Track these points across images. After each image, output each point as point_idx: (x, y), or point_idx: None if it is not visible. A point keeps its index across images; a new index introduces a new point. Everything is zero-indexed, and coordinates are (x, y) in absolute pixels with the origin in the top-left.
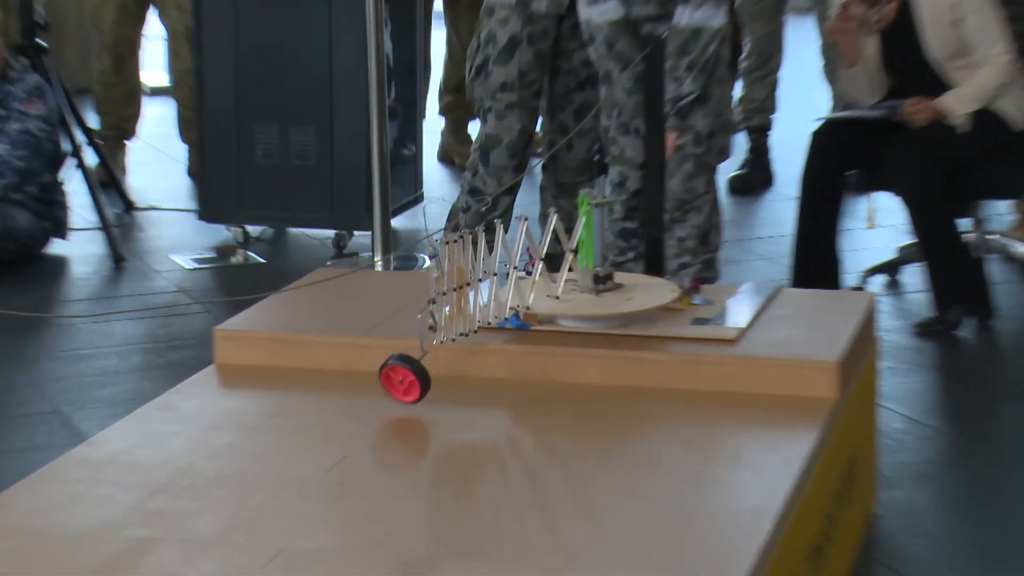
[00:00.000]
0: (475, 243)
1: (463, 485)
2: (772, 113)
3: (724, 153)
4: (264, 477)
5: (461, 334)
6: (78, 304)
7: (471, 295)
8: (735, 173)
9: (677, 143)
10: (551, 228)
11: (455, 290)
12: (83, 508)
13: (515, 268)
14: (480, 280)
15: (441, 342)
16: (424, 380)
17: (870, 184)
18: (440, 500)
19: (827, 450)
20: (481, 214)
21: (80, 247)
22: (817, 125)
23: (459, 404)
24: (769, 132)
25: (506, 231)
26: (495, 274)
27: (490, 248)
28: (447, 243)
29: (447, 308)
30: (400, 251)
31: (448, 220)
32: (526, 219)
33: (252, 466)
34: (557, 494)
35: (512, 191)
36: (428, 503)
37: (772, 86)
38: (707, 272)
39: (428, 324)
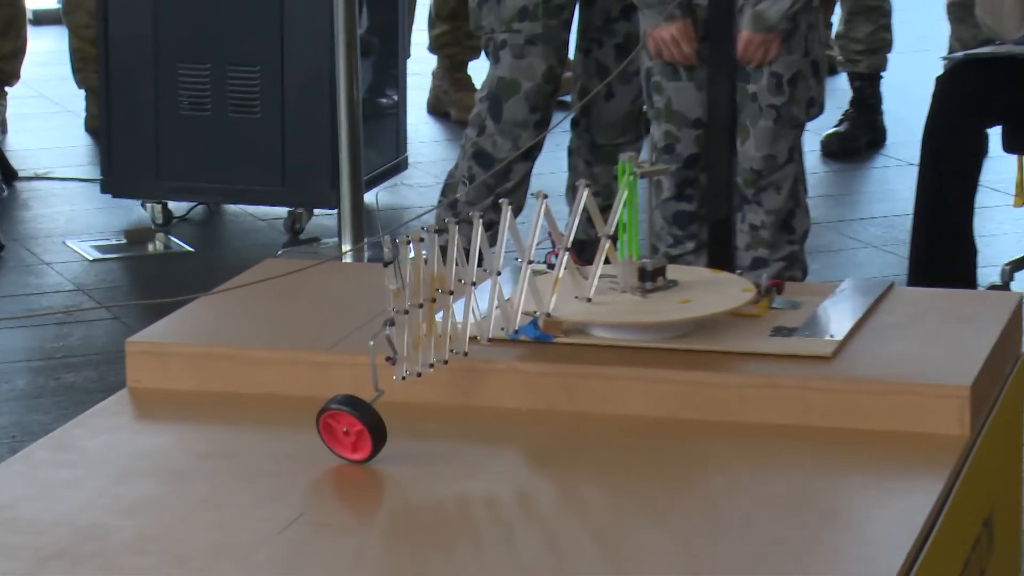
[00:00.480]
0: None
1: (459, 555)
2: (885, 53)
3: (815, 105)
4: (195, 541)
5: (430, 365)
6: None
7: (456, 305)
8: (832, 131)
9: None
10: (581, 206)
11: (420, 305)
12: None
13: (529, 262)
14: (475, 284)
15: (403, 377)
16: (377, 432)
17: (1017, 145)
18: (432, 572)
19: (955, 506)
20: (489, 187)
21: None
22: (943, 68)
23: (457, 443)
24: (879, 78)
25: (518, 211)
26: (499, 272)
27: (492, 239)
28: (408, 242)
29: (413, 329)
30: (376, 236)
31: (443, 194)
32: (545, 196)
33: (179, 527)
34: (590, 566)
35: (531, 155)
36: None
37: (883, 17)
38: (791, 271)
39: (386, 353)
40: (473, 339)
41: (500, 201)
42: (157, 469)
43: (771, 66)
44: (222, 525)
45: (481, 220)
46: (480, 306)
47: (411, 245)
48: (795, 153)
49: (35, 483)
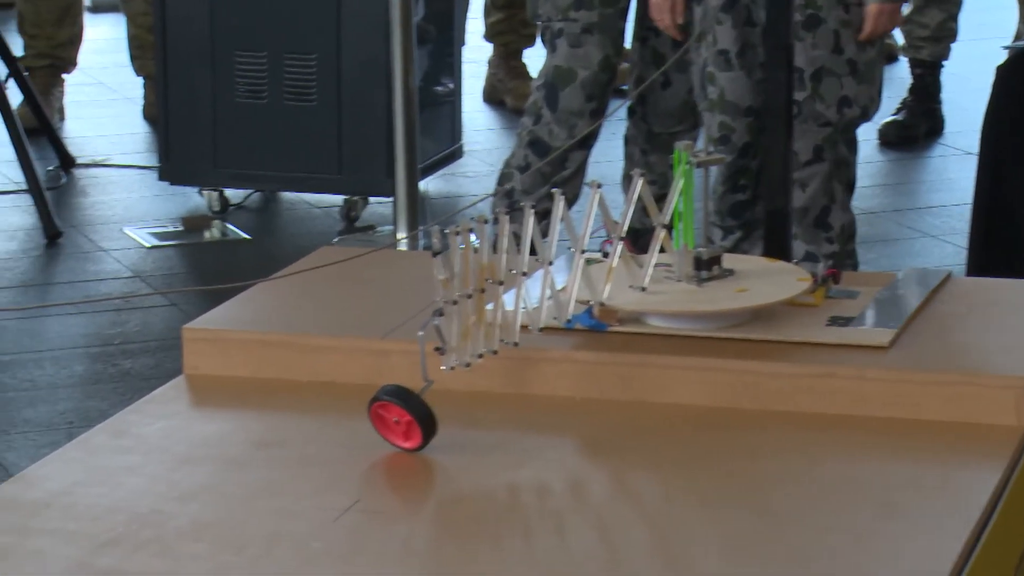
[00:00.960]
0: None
1: (511, 544)
2: (949, 43)
3: (852, 106)
4: (251, 528)
5: (479, 355)
6: None
7: (506, 297)
8: (890, 119)
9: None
10: (635, 195)
11: (469, 296)
12: (9, 567)
13: (582, 252)
14: (525, 274)
15: (452, 367)
16: (425, 422)
17: None
18: (482, 562)
19: (1013, 496)
20: (545, 175)
21: (0, 216)
22: (1006, 56)
23: (511, 432)
24: (941, 67)
25: (574, 200)
26: (551, 262)
27: (543, 230)
28: (456, 233)
29: (462, 319)
30: (432, 224)
31: (499, 183)
32: (599, 186)
33: (235, 513)
34: (641, 557)
35: (587, 144)
36: (466, 566)
37: (954, 7)
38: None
39: (435, 343)
40: (525, 328)
41: (553, 191)
42: (214, 456)
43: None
44: (278, 512)
45: (534, 210)
46: (531, 296)
47: (459, 236)
48: (825, 152)
49: (92, 469)
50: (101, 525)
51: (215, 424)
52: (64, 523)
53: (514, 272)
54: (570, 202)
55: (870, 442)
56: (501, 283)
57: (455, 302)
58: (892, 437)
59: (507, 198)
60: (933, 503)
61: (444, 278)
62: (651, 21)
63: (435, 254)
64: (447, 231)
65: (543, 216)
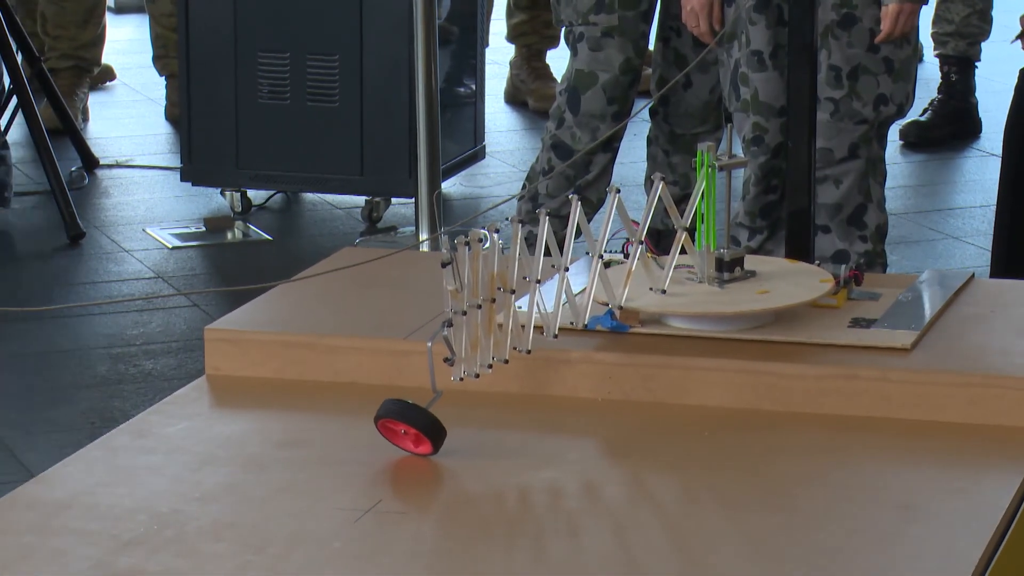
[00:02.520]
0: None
1: (536, 542)
2: (978, 41)
3: (889, 104)
4: (272, 529)
5: (488, 365)
6: (21, 295)
7: (517, 304)
8: (910, 120)
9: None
10: (656, 198)
11: (478, 306)
12: (30, 567)
13: (600, 256)
14: (539, 281)
15: (460, 378)
16: (432, 432)
17: None
18: (502, 563)
19: None
20: (569, 179)
21: (24, 217)
22: None
23: (533, 433)
24: (973, 67)
25: (599, 205)
26: (567, 268)
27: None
28: (466, 243)
29: (471, 330)
30: (454, 226)
31: (524, 186)
32: (618, 190)
33: (256, 513)
34: (661, 559)
35: (610, 146)
36: (487, 566)
37: (981, 2)
38: (871, 270)
39: (445, 355)
40: (539, 329)
41: (570, 197)
42: (235, 456)
43: (830, 58)
44: (299, 513)
45: (548, 217)
46: (546, 302)
47: (469, 246)
48: (860, 150)
49: (114, 469)
50: (122, 525)
51: (236, 424)
52: (86, 523)
53: (527, 279)
54: (596, 205)
55: (892, 444)
56: (513, 292)
57: (464, 312)
58: (914, 439)
59: (532, 202)
60: (955, 505)
61: (453, 288)
62: (673, 21)
63: (444, 264)
64: (456, 240)
65: (566, 221)
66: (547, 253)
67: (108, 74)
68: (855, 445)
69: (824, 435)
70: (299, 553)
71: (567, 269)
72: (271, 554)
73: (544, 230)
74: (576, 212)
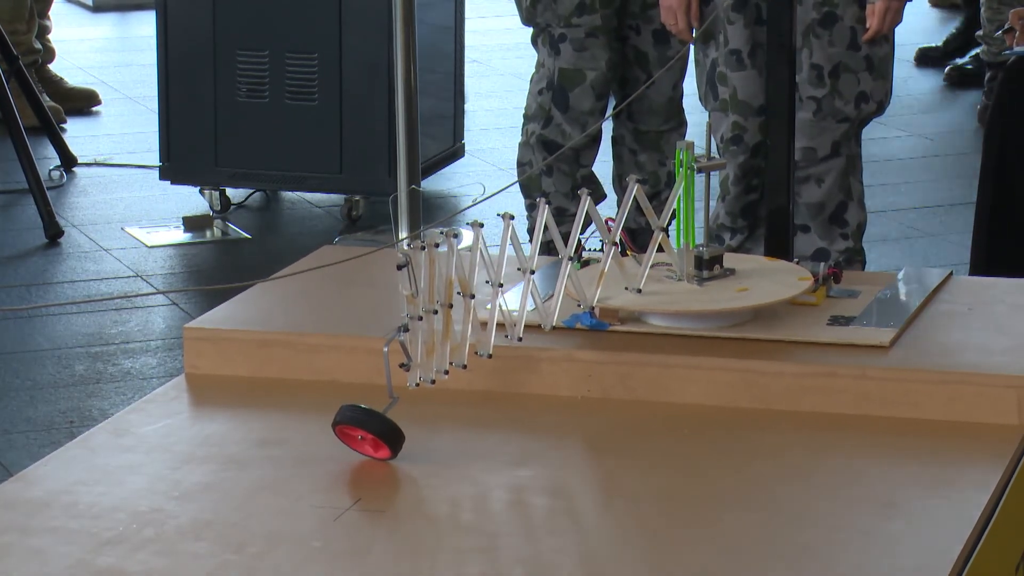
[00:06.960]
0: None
1: (514, 542)
2: None
3: (869, 102)
4: (252, 527)
5: (445, 371)
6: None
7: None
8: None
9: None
10: (630, 198)
11: (436, 311)
12: (9, 566)
13: (570, 258)
14: (501, 286)
15: (416, 384)
16: (392, 438)
17: None
18: (482, 561)
19: (1013, 496)
20: (568, 174)
21: (1, 216)
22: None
23: (511, 432)
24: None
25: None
26: (532, 271)
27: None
28: (421, 248)
29: (428, 335)
30: (433, 224)
31: (524, 195)
32: (589, 193)
33: (236, 512)
34: (640, 557)
35: (596, 141)
36: (466, 566)
37: None
38: (850, 266)
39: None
40: (501, 328)
41: (538, 200)
42: (214, 455)
43: (812, 57)
44: (278, 511)
45: (513, 221)
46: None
47: (424, 251)
48: (842, 148)
49: (93, 468)
50: (102, 524)
51: (216, 423)
52: (65, 522)
53: (489, 283)
54: (596, 200)
55: (871, 441)
56: (473, 297)
57: (420, 318)
58: (893, 436)
59: (532, 209)
60: (934, 502)
61: (408, 293)
62: (631, 20)
63: (399, 268)
64: (411, 246)
65: (561, 217)
66: (548, 251)
67: (93, 99)
68: (834, 443)
69: (803, 433)
70: (278, 552)
71: (533, 272)
72: (250, 553)
73: (507, 234)
74: (543, 214)
